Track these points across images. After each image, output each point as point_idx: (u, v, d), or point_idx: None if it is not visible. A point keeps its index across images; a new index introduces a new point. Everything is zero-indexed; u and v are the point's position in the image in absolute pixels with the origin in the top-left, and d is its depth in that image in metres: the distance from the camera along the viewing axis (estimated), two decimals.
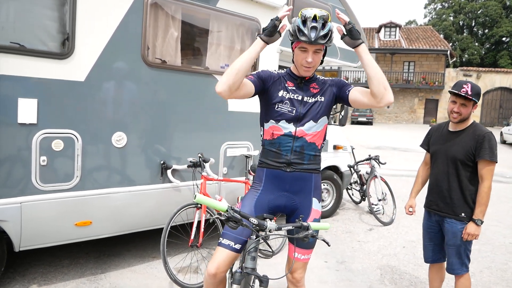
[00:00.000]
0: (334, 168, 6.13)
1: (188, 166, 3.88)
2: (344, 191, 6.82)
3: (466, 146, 2.88)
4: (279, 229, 1.88)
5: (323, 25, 2.07)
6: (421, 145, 3.31)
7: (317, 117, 2.28)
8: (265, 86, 2.26)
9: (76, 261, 4.01)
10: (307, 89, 2.30)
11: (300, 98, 2.27)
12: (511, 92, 30.04)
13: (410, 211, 3.28)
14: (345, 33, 2.14)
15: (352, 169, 6.57)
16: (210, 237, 4.13)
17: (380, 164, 6.53)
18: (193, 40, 4.17)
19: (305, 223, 1.90)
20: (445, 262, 3.15)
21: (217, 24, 4.16)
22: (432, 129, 3.27)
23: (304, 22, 2.08)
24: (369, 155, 6.67)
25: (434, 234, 3.13)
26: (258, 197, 2.29)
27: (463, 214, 2.90)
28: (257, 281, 1.96)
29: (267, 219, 1.88)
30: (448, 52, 30.60)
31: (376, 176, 6.44)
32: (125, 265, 4.00)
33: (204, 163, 3.87)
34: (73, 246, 4.15)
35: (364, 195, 6.64)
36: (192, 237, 3.67)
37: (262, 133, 2.35)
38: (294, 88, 2.28)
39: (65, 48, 3.12)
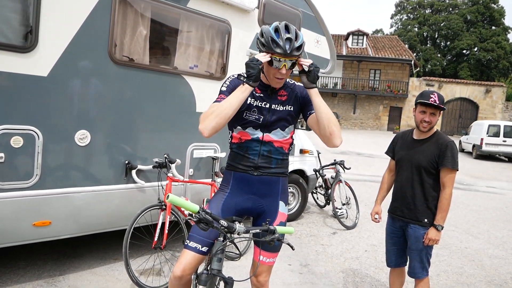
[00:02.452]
0: (300, 172, 6.20)
1: (154, 167, 3.82)
2: (309, 195, 6.91)
3: (430, 154, 2.98)
4: (247, 232, 1.89)
5: (296, 36, 2.06)
6: (386, 152, 3.39)
7: (284, 127, 2.29)
8: None
9: (34, 262, 3.85)
10: (275, 97, 2.27)
11: (267, 106, 2.24)
12: (470, 103, 31.37)
13: (376, 218, 3.35)
14: (305, 72, 2.12)
15: (317, 173, 6.66)
16: (174, 239, 4.08)
17: (345, 169, 6.66)
18: (162, 40, 4.12)
19: (271, 227, 1.91)
20: (406, 266, 3.25)
21: (187, 24, 4.13)
22: (397, 136, 3.36)
23: (276, 31, 2.05)
24: (335, 160, 6.79)
25: (397, 239, 3.22)
26: (226, 199, 2.29)
27: (426, 220, 2.99)
28: (222, 283, 1.97)
29: (236, 222, 1.89)
30: (412, 62, 31.63)
31: (340, 181, 6.56)
32: (85, 266, 3.88)
33: (170, 164, 3.82)
34: (30, 247, 3.99)
35: (328, 199, 6.74)
36: (155, 239, 3.62)
37: (230, 137, 2.34)
38: (262, 95, 2.25)
39: (27, 41, 3.00)
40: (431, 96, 2.90)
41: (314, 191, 7.12)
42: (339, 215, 6.17)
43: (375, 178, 10.66)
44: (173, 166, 3.85)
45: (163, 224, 3.69)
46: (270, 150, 2.27)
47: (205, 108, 4.21)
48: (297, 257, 4.64)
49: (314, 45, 5.64)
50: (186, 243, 2.17)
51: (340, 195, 6.52)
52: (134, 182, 3.79)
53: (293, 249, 1.97)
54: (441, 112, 2.99)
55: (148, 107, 3.86)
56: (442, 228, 2.95)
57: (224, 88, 2.20)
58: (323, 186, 6.91)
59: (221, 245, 1.90)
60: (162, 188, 3.86)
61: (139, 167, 3.80)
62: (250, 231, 1.91)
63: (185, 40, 4.15)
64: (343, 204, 6.41)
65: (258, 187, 2.28)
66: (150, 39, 3.82)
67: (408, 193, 3.06)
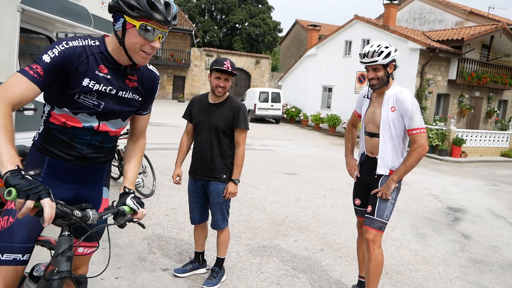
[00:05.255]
0: None
1: None
2: None
3: (225, 116, 3.24)
4: (100, 218, 1.66)
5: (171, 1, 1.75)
6: (183, 116, 3.52)
7: (126, 117, 1.95)
8: (62, 72, 1.64)
9: None
10: (123, 80, 1.84)
11: (114, 92, 1.80)
12: (244, 72, 34.92)
13: (177, 180, 3.47)
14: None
15: None
16: None
17: None
18: None
19: (121, 208, 1.74)
20: (208, 221, 3.53)
21: None
22: (193, 100, 3.50)
23: None
24: (127, 129, 6.58)
25: (199, 197, 3.44)
26: None
27: (224, 176, 3.30)
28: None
29: (88, 209, 1.62)
30: (193, 32, 32.89)
31: None
32: None
33: None
34: None
35: (123, 170, 6.55)
36: None
37: (46, 112, 1.80)
38: (108, 76, 1.77)
39: None
40: (225, 62, 3.15)
41: None
42: (136, 185, 6.10)
43: (166, 146, 10.89)
44: None
45: None
46: (103, 140, 1.88)
47: None
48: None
49: (99, 6, 5.23)
50: None
51: None
52: None
53: (144, 228, 1.86)
54: (233, 77, 3.27)
55: None
56: (239, 182, 3.32)
57: (47, 59, 1.61)
58: (116, 158, 6.67)
59: (69, 241, 1.61)
60: None
61: None
62: (103, 216, 1.69)
63: None
64: (139, 173, 6.35)
65: (81, 177, 1.89)
66: None
67: (208, 154, 3.29)
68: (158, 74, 2.00)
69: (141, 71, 1.90)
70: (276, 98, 21.94)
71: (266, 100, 21.69)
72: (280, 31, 51.98)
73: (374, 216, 3.05)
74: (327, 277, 3.85)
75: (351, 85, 19.48)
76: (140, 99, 1.93)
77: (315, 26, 24.07)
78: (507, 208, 7.69)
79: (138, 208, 1.82)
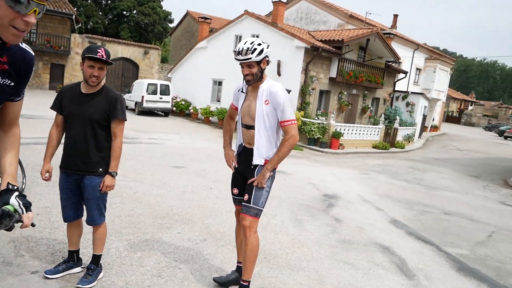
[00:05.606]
0: None
1: None
2: None
3: (101, 107, 3.10)
4: None
5: None
6: (52, 107, 3.27)
7: None
8: None
9: None
10: None
11: None
12: (131, 62, 33.42)
13: (47, 177, 3.23)
14: None
15: None
16: None
17: None
18: None
19: (5, 209, 1.52)
20: (83, 217, 3.35)
21: None
22: (63, 90, 3.28)
23: None
24: None
25: (72, 193, 3.24)
26: None
27: (100, 169, 3.16)
28: None
29: None
30: (74, 16, 30.39)
31: None
32: None
33: None
34: None
35: None
36: None
37: None
38: None
39: None
40: (99, 51, 3.00)
41: None
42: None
43: (39, 140, 9.93)
44: None
45: None
46: None
47: None
48: None
49: None
50: None
51: None
52: None
53: (33, 226, 1.64)
54: (107, 66, 3.14)
55: None
56: (116, 174, 3.22)
57: None
58: None
59: None
60: None
61: None
62: None
63: None
64: None
65: None
66: None
67: (81, 147, 3.12)
68: (33, 53, 1.74)
69: (13, 50, 1.62)
70: (165, 91, 21.45)
71: (154, 93, 21.07)
72: (171, 21, 50.93)
73: (250, 204, 3.21)
74: (208, 266, 3.95)
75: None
76: (12, 84, 1.67)
77: (206, 18, 24.03)
78: (374, 194, 8.67)
79: (23, 212, 1.58)
